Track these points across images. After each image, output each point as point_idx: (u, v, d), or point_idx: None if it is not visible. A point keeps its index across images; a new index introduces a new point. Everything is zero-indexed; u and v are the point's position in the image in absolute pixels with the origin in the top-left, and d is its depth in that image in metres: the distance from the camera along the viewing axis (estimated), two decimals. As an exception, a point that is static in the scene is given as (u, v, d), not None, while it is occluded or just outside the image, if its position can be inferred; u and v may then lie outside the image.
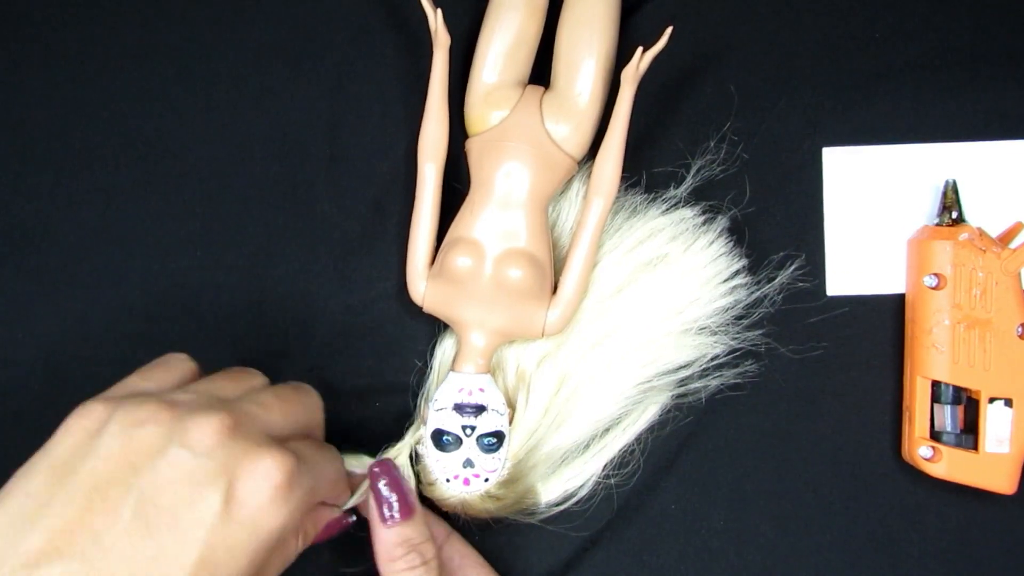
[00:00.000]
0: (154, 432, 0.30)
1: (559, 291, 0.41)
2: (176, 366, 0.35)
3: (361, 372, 0.44)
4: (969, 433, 0.41)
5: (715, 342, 0.42)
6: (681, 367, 0.43)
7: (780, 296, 0.43)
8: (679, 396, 0.43)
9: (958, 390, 0.41)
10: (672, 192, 0.43)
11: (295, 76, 0.45)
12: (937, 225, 0.42)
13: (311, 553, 0.37)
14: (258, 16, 0.45)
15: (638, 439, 0.43)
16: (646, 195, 0.44)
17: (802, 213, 0.45)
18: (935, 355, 0.41)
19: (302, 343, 0.44)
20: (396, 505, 0.37)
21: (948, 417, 0.41)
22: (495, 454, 0.40)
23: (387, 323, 0.44)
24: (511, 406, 0.42)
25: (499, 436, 0.40)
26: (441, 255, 0.41)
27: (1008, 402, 0.41)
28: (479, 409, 0.40)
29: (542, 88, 0.42)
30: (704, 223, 0.43)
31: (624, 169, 0.41)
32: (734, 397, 0.43)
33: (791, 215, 0.45)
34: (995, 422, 0.41)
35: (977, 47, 0.45)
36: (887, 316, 0.44)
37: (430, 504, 0.42)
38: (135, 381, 0.34)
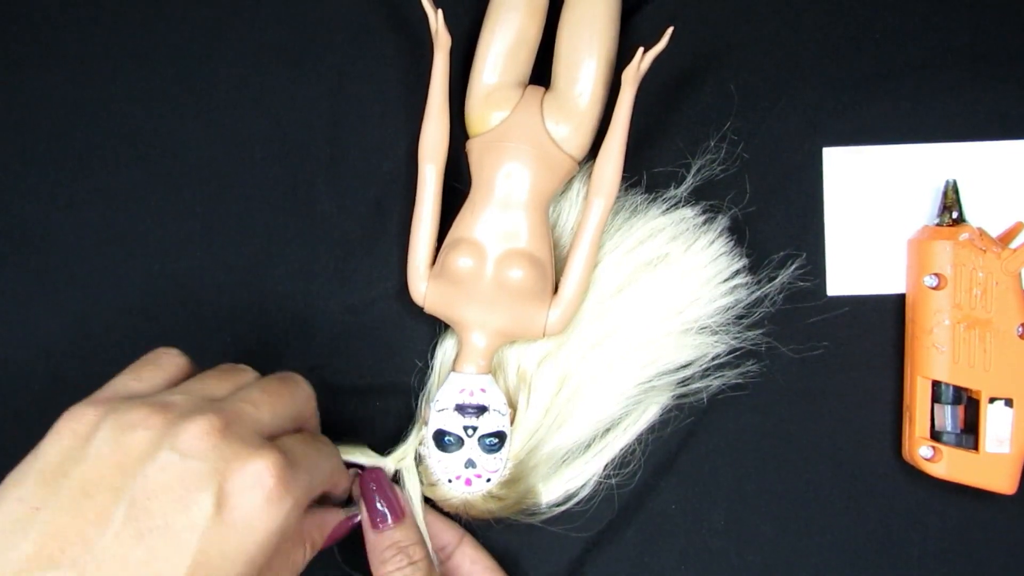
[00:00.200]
0: (145, 436, 0.30)
1: (560, 291, 0.41)
2: (167, 363, 0.35)
3: (361, 372, 0.44)
4: (969, 433, 0.41)
5: (716, 342, 0.43)
6: (682, 367, 0.43)
7: (780, 296, 0.43)
8: (680, 396, 0.43)
9: (958, 390, 0.41)
10: (672, 192, 0.43)
11: (295, 76, 0.45)
12: (937, 225, 0.42)
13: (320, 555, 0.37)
14: (258, 16, 0.45)
15: (639, 439, 0.43)
16: (646, 195, 0.44)
17: (802, 213, 0.45)
18: (935, 355, 0.41)
19: (302, 343, 0.44)
20: (386, 511, 0.38)
21: (948, 417, 0.41)
22: (497, 454, 0.40)
23: (387, 323, 0.44)
24: (512, 406, 0.42)
25: (501, 436, 0.40)
26: (442, 256, 0.41)
27: (1008, 402, 0.41)
28: (480, 409, 0.40)
29: (542, 89, 0.42)
30: (704, 223, 0.43)
31: (624, 169, 0.41)
32: (735, 397, 0.43)
33: (791, 215, 0.45)
34: (995, 422, 0.41)
35: (977, 47, 0.45)
36: (887, 316, 0.44)
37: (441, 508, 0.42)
38: (125, 381, 0.34)
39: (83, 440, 0.30)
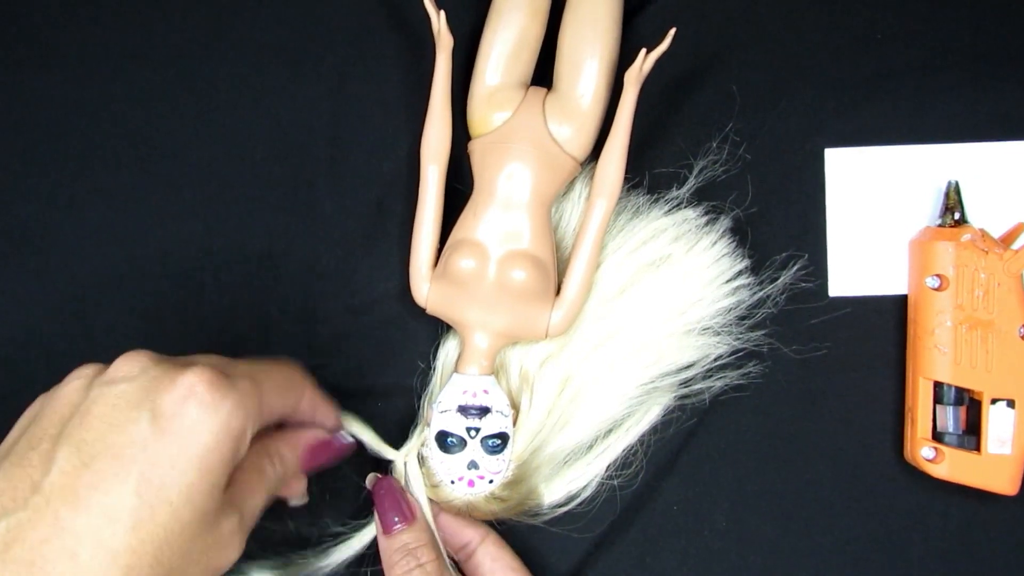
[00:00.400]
0: (78, 384, 0.31)
1: (562, 292, 0.41)
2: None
3: (363, 373, 0.44)
4: (971, 434, 0.41)
5: (718, 343, 0.43)
6: (684, 368, 0.43)
7: (782, 297, 0.43)
8: (682, 397, 0.43)
9: (960, 391, 0.41)
10: (675, 193, 0.43)
11: (296, 76, 0.45)
12: (939, 226, 0.42)
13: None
14: (258, 16, 0.45)
15: (641, 440, 0.43)
16: (649, 196, 0.44)
17: (804, 214, 0.45)
18: (937, 356, 0.41)
19: (303, 344, 0.44)
20: (395, 515, 0.39)
21: (950, 418, 0.41)
22: (499, 455, 0.40)
23: (389, 324, 0.44)
24: (515, 407, 0.41)
25: (503, 437, 0.40)
26: (444, 257, 0.41)
27: (1010, 403, 0.41)
28: (483, 411, 0.40)
29: (544, 89, 0.42)
30: (707, 224, 0.43)
31: (627, 170, 0.40)
32: (736, 398, 0.44)
33: (793, 216, 0.45)
34: (997, 423, 0.41)
35: (979, 47, 0.45)
36: (889, 317, 0.44)
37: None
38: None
39: (29, 420, 0.32)
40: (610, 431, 0.43)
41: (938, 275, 0.41)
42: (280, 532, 0.42)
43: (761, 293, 0.43)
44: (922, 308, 0.42)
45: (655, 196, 0.44)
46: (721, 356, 0.43)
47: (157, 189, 0.44)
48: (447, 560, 0.40)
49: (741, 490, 0.44)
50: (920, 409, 0.42)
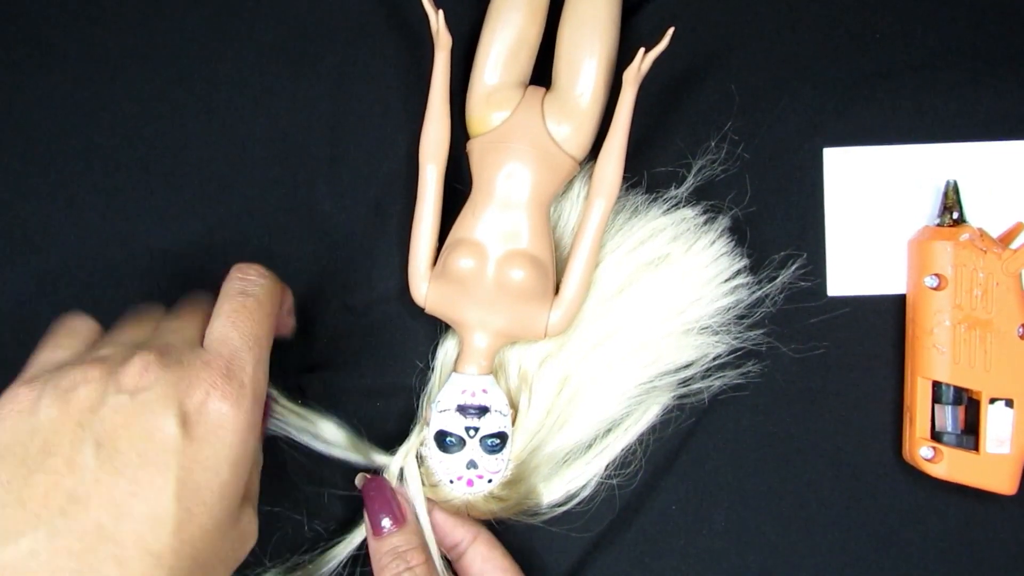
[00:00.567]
0: (89, 389, 0.30)
1: (561, 292, 0.41)
2: (81, 328, 0.35)
3: (362, 373, 0.44)
4: (970, 434, 0.41)
5: (716, 342, 0.43)
6: (683, 367, 0.43)
7: (781, 296, 0.44)
8: (681, 396, 0.43)
9: (959, 391, 0.41)
10: (673, 192, 0.43)
11: (295, 76, 0.45)
12: (938, 225, 0.42)
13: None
14: (258, 16, 0.45)
15: (640, 439, 0.43)
16: (647, 195, 0.44)
17: (803, 213, 0.45)
18: (936, 356, 0.41)
19: (303, 344, 0.44)
20: (386, 517, 0.39)
21: (949, 418, 0.41)
22: (498, 455, 0.40)
23: (388, 324, 0.44)
24: (514, 407, 0.42)
25: (502, 437, 0.40)
26: (443, 257, 0.41)
27: (1009, 403, 0.41)
28: (482, 410, 0.40)
29: (543, 89, 0.42)
30: (705, 223, 0.43)
31: (625, 169, 0.40)
32: (735, 397, 0.44)
33: (792, 215, 0.45)
34: (996, 423, 0.41)
35: (978, 47, 0.45)
36: (888, 316, 0.44)
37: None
38: (47, 355, 0.34)
39: (28, 414, 0.30)
40: (609, 431, 0.43)
41: (937, 274, 0.41)
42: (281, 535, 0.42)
43: (760, 292, 0.43)
44: (921, 307, 0.42)
45: (654, 195, 0.44)
46: (720, 355, 0.43)
47: (157, 189, 0.44)
48: (440, 561, 0.40)
49: (740, 489, 0.44)
50: (919, 409, 0.42)
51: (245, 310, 0.34)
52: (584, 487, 0.42)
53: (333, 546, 0.41)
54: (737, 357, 0.43)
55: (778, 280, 0.43)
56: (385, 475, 0.41)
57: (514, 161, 0.40)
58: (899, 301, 0.44)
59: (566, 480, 0.42)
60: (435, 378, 0.43)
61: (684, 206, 0.43)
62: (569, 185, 0.43)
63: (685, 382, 0.43)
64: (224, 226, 0.44)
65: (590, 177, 0.41)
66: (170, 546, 0.29)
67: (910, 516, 0.43)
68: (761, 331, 0.43)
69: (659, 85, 0.44)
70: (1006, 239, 0.43)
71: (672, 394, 0.43)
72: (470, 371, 0.41)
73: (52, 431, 0.30)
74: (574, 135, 0.41)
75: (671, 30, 0.39)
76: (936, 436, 0.42)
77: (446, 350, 0.43)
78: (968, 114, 0.44)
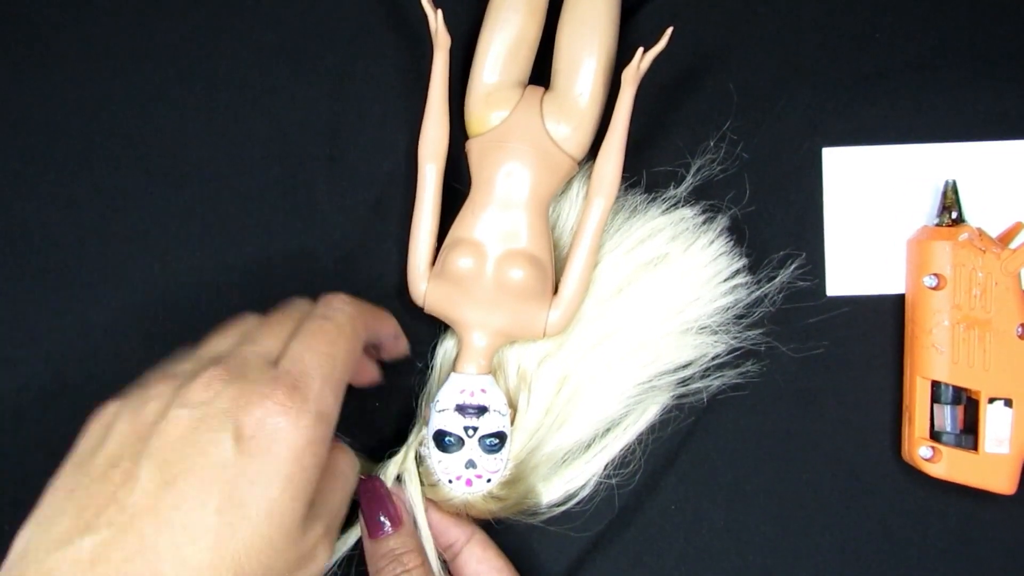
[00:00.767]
0: (156, 404, 0.31)
1: (560, 291, 0.41)
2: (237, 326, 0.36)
3: (362, 372, 0.44)
4: (969, 433, 0.41)
5: (715, 342, 0.43)
6: (681, 367, 0.43)
7: (780, 296, 0.44)
8: (680, 396, 0.43)
9: (958, 390, 0.41)
10: (672, 192, 0.43)
11: (295, 76, 0.45)
12: (937, 225, 0.42)
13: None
14: (258, 16, 0.45)
15: (639, 439, 0.43)
16: (646, 195, 0.44)
17: (802, 213, 0.45)
18: (935, 355, 0.41)
19: (302, 343, 0.44)
20: (383, 520, 0.39)
21: (948, 417, 0.41)
22: (497, 455, 0.40)
23: (388, 323, 0.44)
24: (513, 407, 0.42)
25: (501, 437, 0.40)
26: (442, 256, 0.41)
27: (1008, 402, 0.41)
28: (481, 410, 0.40)
29: (542, 88, 0.42)
30: (704, 223, 0.43)
31: (624, 169, 0.41)
32: (734, 397, 0.44)
33: (791, 215, 0.45)
34: (995, 422, 0.41)
35: (977, 47, 0.45)
36: (887, 316, 0.44)
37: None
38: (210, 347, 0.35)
39: (106, 428, 0.32)
40: (608, 430, 0.43)
41: (936, 274, 0.41)
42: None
43: (759, 292, 0.43)
44: (920, 307, 0.42)
45: (653, 195, 0.44)
46: (719, 355, 0.43)
47: (157, 189, 0.45)
48: (436, 563, 0.40)
49: (739, 489, 0.44)
50: (918, 408, 0.42)
51: (323, 332, 0.35)
52: (583, 487, 0.42)
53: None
54: (736, 357, 0.43)
55: (777, 280, 0.43)
56: (382, 475, 0.41)
57: (513, 161, 0.40)
58: (898, 301, 0.44)
59: (565, 480, 0.42)
60: (434, 378, 0.43)
61: (683, 206, 0.43)
62: (568, 184, 0.43)
63: (684, 382, 0.43)
64: (224, 226, 0.44)
65: (589, 176, 0.41)
66: (208, 561, 0.29)
67: (909, 516, 0.43)
68: (760, 331, 0.43)
69: (658, 85, 0.44)
70: (1005, 239, 0.43)
71: (671, 394, 0.43)
72: (469, 371, 0.41)
73: (119, 444, 0.31)
74: (573, 135, 0.41)
75: (670, 30, 0.39)
76: (935, 436, 0.42)
77: (445, 350, 0.43)
78: (967, 114, 0.44)
